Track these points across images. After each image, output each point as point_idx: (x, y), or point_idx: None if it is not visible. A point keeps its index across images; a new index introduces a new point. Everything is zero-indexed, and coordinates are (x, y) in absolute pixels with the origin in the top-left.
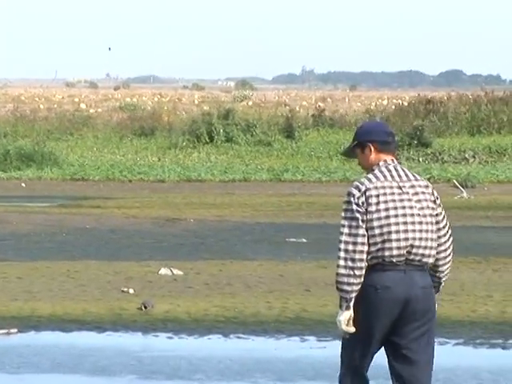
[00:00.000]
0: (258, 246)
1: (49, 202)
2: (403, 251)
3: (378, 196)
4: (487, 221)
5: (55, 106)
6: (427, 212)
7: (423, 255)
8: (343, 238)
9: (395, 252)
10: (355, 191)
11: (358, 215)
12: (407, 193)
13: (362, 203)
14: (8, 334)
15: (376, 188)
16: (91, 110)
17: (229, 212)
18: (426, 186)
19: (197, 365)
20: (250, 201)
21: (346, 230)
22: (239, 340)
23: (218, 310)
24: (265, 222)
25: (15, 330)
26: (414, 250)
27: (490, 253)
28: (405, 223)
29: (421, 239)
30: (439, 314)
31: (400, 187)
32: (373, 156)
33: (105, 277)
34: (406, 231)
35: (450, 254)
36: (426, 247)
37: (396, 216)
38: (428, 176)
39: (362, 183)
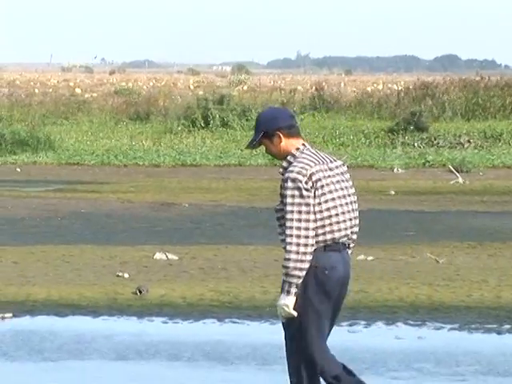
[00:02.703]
0: (253, 230)
1: (44, 187)
2: (349, 231)
3: (321, 179)
4: (482, 206)
5: (50, 90)
6: (352, 191)
7: (355, 233)
8: (294, 223)
9: (343, 233)
10: (300, 176)
11: (308, 200)
12: (337, 174)
13: (311, 187)
14: (2, 318)
15: (317, 172)
16: (86, 95)
17: (224, 197)
18: (343, 165)
19: (192, 349)
20: (245, 185)
21: (295, 216)
22: (234, 325)
23: (213, 295)
24: (260, 206)
25: (10, 315)
26: (353, 230)
27: (485, 238)
28: (347, 204)
29: (356, 219)
30: (435, 299)
31: (330, 169)
32: (283, 143)
33: (100, 261)
34: (349, 212)
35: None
36: (357, 226)
37: (339, 198)
38: (423, 161)
39: (304, 168)
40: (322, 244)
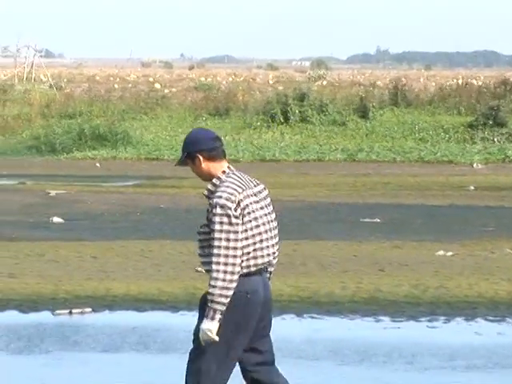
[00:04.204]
0: (332, 225)
1: (123, 182)
2: (271, 257)
3: (248, 206)
4: None
5: (130, 85)
6: (273, 217)
7: (276, 258)
8: (222, 251)
9: (266, 259)
10: (229, 203)
11: (237, 228)
12: (261, 200)
13: (240, 214)
14: (82, 313)
15: (245, 198)
16: (166, 90)
17: (303, 192)
18: (265, 189)
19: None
20: (324, 181)
21: (224, 244)
22: (313, 320)
23: (292, 290)
24: (339, 202)
25: (89, 310)
26: (275, 255)
27: None
28: (270, 230)
29: (277, 244)
30: None
31: (255, 194)
32: (204, 165)
33: (179, 256)
34: (271, 238)
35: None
36: (277, 251)
37: (263, 224)
38: (503, 156)
39: (233, 194)
40: (245, 270)
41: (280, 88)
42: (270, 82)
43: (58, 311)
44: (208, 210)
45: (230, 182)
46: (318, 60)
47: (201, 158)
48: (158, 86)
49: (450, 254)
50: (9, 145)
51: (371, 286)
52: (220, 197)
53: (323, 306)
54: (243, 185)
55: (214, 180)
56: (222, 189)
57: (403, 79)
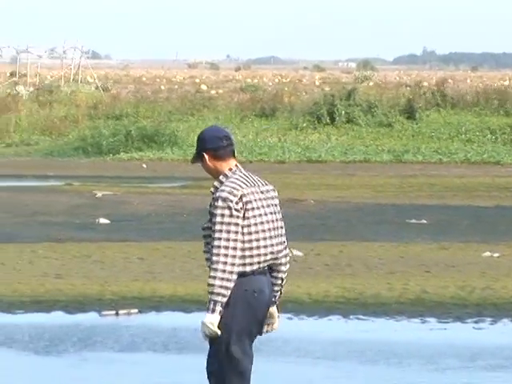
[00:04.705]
0: (378, 227)
1: (170, 183)
2: (275, 255)
3: (252, 201)
4: None
5: (176, 87)
6: (280, 216)
7: (284, 257)
8: (222, 243)
9: (269, 257)
10: (231, 196)
11: (238, 221)
12: (268, 198)
13: (241, 208)
14: (129, 314)
15: (248, 193)
16: (212, 91)
17: (349, 193)
18: (274, 190)
19: (316, 346)
20: (370, 182)
21: (224, 235)
22: (359, 321)
23: (338, 291)
24: (385, 203)
25: (136, 311)
26: (281, 254)
27: None
28: (275, 228)
29: (283, 244)
30: None
31: (262, 192)
32: (210, 164)
33: None
34: (276, 236)
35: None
36: (285, 250)
37: (268, 222)
38: None
39: (236, 188)
40: (249, 267)
41: (326, 89)
42: (317, 83)
43: (104, 312)
44: (210, 205)
45: (236, 178)
46: (364, 61)
47: (207, 156)
48: (204, 87)
49: (496, 255)
50: (56, 146)
51: (418, 288)
52: (223, 190)
53: (369, 308)
54: (248, 182)
55: (221, 177)
56: (226, 183)
57: (450, 80)
